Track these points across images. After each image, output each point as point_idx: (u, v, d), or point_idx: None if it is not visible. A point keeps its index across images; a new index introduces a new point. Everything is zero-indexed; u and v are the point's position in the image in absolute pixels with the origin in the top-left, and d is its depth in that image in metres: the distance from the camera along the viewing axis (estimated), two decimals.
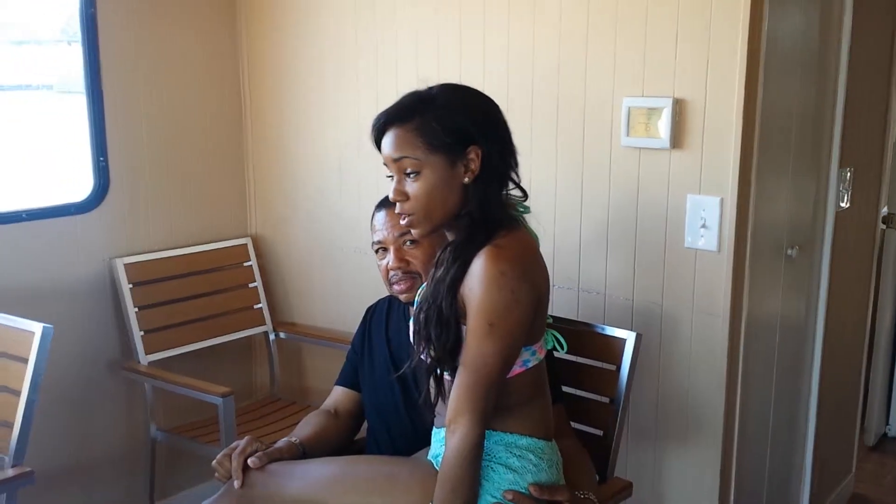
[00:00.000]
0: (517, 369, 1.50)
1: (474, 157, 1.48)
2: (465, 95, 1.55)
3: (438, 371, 1.53)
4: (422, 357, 1.54)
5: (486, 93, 1.59)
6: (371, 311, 2.01)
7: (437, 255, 1.54)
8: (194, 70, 2.80)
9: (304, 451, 1.76)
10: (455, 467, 1.43)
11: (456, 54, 2.38)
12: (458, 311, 1.47)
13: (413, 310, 1.60)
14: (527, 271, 1.45)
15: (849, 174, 2.57)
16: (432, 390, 1.57)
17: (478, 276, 1.43)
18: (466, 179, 1.49)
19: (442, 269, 1.50)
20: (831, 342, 2.61)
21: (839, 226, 2.54)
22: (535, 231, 1.62)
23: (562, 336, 1.64)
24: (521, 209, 1.58)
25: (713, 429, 2.11)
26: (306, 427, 1.86)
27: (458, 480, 1.43)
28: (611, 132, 2.14)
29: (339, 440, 1.91)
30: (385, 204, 1.86)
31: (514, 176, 1.55)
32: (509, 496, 1.49)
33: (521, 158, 1.57)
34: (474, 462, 1.44)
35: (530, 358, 1.52)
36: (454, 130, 1.48)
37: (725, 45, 1.95)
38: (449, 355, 1.48)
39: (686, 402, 2.15)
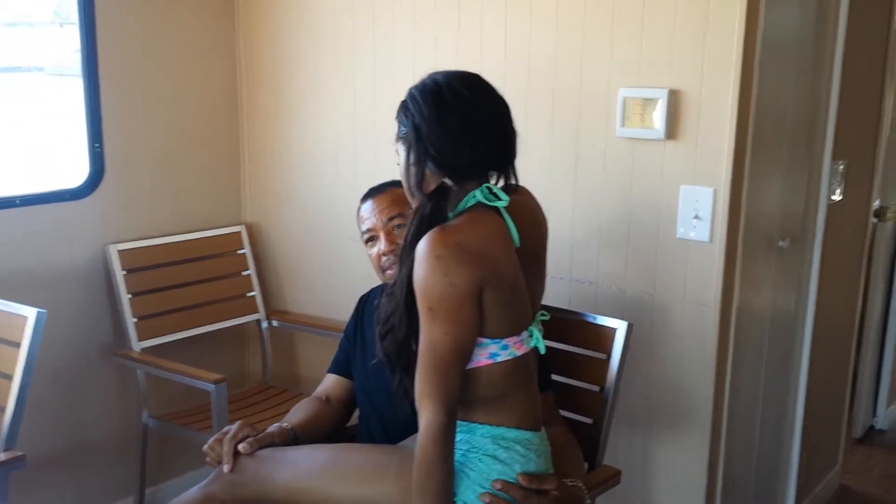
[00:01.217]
0: (483, 361, 1.49)
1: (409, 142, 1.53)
2: (419, 83, 1.55)
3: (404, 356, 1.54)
4: (385, 343, 1.56)
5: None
6: (364, 300, 2.02)
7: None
8: (191, 56, 2.80)
9: (296, 437, 1.77)
10: (424, 452, 1.44)
11: (453, 44, 2.38)
12: (411, 295, 1.47)
13: None
14: (468, 256, 1.42)
15: (841, 167, 2.59)
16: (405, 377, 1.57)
17: (418, 260, 1.44)
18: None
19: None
20: (820, 334, 2.63)
21: (831, 218, 2.56)
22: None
23: (541, 337, 1.60)
24: (488, 197, 1.50)
25: (702, 418, 2.13)
26: (298, 413, 1.87)
27: (430, 465, 1.43)
28: (606, 122, 2.15)
29: (331, 427, 1.92)
30: (370, 194, 1.89)
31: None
32: (498, 485, 1.50)
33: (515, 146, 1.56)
34: (445, 446, 1.44)
35: (499, 352, 1.49)
36: (399, 118, 1.55)
37: (722, 37, 1.95)
38: (405, 341, 1.51)
39: (675, 392, 2.16)
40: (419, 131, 1.49)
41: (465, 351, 1.46)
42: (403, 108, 1.54)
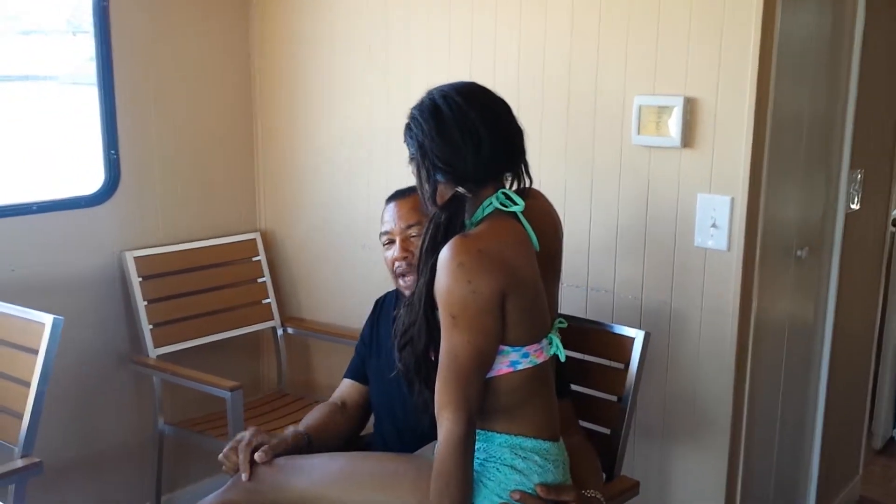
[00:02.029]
0: (504, 369, 1.48)
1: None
2: (417, 102, 1.57)
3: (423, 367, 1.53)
4: (404, 354, 1.56)
5: (497, 89, 1.58)
6: (380, 303, 2.02)
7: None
8: (205, 64, 2.81)
9: (310, 441, 1.77)
10: (444, 461, 1.43)
11: (467, 51, 2.38)
12: (432, 304, 1.48)
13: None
14: (491, 263, 1.43)
15: (859, 176, 2.57)
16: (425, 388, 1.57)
17: (440, 268, 1.45)
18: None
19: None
20: (839, 344, 2.60)
21: (849, 227, 2.54)
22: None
23: (561, 345, 1.60)
24: (504, 202, 1.51)
25: (720, 428, 2.11)
26: (314, 417, 1.87)
27: (449, 475, 1.43)
28: (621, 130, 2.14)
29: (346, 432, 1.91)
30: (395, 196, 1.89)
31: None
32: (516, 496, 1.49)
33: (529, 155, 1.57)
34: (464, 455, 1.43)
35: (520, 360, 1.49)
36: (405, 140, 1.58)
37: (738, 45, 1.94)
38: (424, 352, 1.50)
39: (694, 402, 2.15)
40: (423, 148, 1.52)
41: (486, 359, 1.46)
42: (407, 129, 1.57)
